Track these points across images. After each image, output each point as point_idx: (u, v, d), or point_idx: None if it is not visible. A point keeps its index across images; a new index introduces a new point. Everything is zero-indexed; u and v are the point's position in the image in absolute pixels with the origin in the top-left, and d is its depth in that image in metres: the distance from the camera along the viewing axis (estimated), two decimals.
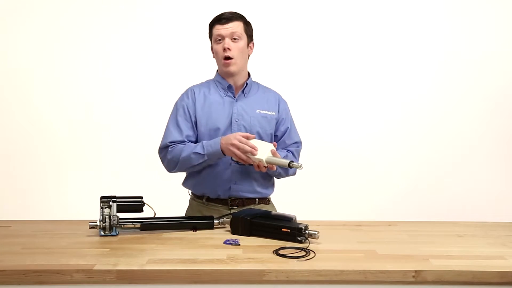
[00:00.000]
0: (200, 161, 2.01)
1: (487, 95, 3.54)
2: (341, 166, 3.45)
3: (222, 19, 2.05)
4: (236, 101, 2.11)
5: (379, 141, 3.57)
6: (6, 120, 3.53)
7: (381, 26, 3.55)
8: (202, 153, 1.99)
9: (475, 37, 3.53)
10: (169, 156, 2.06)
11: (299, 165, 1.89)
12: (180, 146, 2.05)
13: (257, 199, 2.15)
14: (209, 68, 3.51)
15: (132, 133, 3.55)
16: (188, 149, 2.02)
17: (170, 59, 3.55)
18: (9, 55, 3.51)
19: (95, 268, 1.48)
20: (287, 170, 2.10)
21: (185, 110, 2.10)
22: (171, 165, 2.08)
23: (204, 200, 2.14)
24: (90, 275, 1.46)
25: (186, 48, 3.52)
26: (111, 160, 3.55)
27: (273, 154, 1.96)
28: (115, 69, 3.55)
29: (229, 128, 2.08)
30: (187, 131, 2.08)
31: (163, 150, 2.10)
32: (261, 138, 2.12)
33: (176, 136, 2.08)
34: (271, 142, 2.16)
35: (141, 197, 1.89)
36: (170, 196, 3.20)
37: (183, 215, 2.19)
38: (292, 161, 1.90)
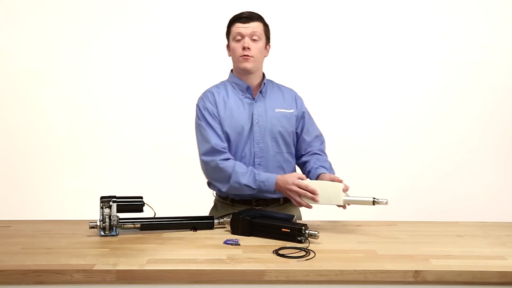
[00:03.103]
0: (249, 192, 2.01)
1: (487, 95, 3.54)
2: (341, 166, 3.43)
3: (243, 17, 2.04)
4: (255, 102, 2.10)
5: (379, 141, 3.57)
6: (6, 120, 3.53)
7: (382, 26, 3.55)
8: (253, 187, 1.98)
9: (476, 37, 3.52)
10: (218, 168, 2.00)
11: (384, 201, 1.79)
12: (229, 164, 2.00)
13: (281, 199, 2.13)
14: (209, 68, 3.51)
15: (132, 133, 3.55)
16: (241, 177, 1.98)
17: (170, 59, 3.55)
18: (9, 55, 3.51)
19: (95, 268, 1.48)
20: None
21: (212, 114, 2.07)
22: (217, 178, 2.04)
23: (228, 201, 2.13)
24: (90, 275, 1.47)
25: (186, 48, 3.52)
26: (111, 160, 3.55)
27: (345, 190, 1.90)
28: (115, 69, 3.55)
29: (251, 129, 2.06)
30: (222, 136, 2.05)
31: (210, 155, 2.02)
32: (283, 138, 2.10)
33: (219, 141, 2.03)
34: (293, 140, 2.16)
35: (141, 197, 1.89)
36: (170, 196, 3.21)
37: (206, 214, 2.18)
38: (375, 198, 1.81)
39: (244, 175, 1.98)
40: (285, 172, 2.12)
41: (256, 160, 2.07)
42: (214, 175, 2.06)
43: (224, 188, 2.04)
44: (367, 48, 3.55)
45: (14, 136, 3.54)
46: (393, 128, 3.57)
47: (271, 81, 2.21)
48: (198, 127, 2.09)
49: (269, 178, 1.98)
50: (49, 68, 3.53)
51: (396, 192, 3.53)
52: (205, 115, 2.07)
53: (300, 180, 1.92)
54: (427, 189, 3.55)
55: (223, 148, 2.04)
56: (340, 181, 1.91)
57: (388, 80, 3.58)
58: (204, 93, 2.14)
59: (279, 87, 2.21)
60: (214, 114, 2.07)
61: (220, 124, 2.07)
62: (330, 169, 2.12)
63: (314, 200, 1.88)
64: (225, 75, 2.23)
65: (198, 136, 2.10)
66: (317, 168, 2.09)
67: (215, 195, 2.22)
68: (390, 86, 3.58)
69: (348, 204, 1.89)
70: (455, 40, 3.53)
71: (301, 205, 1.92)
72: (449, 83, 3.56)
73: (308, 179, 1.96)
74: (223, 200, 2.16)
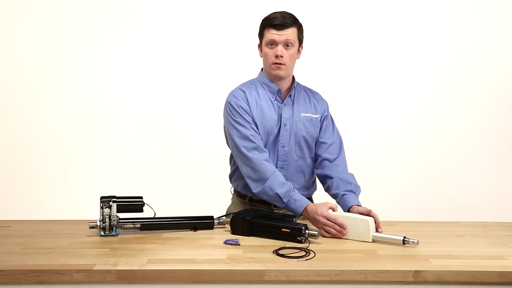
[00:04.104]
0: (276, 203, 1.99)
1: (488, 94, 3.54)
2: None
3: (277, 24, 1.98)
4: (284, 105, 2.09)
5: (379, 141, 3.57)
6: (6, 120, 3.53)
7: (381, 26, 3.55)
8: (283, 200, 1.94)
9: (475, 36, 3.52)
10: (259, 168, 1.97)
11: (416, 241, 1.72)
12: (270, 168, 1.97)
13: None
14: (208, 68, 3.51)
15: (133, 133, 3.55)
16: (277, 185, 1.94)
17: (170, 59, 3.55)
18: (9, 55, 3.51)
19: (95, 268, 1.48)
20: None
21: (247, 111, 2.03)
22: (252, 176, 1.99)
23: (246, 200, 2.13)
24: (90, 275, 1.46)
25: (187, 48, 3.52)
26: (111, 160, 3.55)
27: (377, 224, 1.84)
28: (115, 69, 3.54)
29: (277, 133, 2.06)
30: (257, 133, 2.03)
31: (254, 151, 1.98)
32: (306, 142, 2.09)
33: (260, 139, 2.02)
34: (315, 146, 2.14)
35: (141, 197, 1.89)
36: (170, 196, 3.21)
37: (224, 212, 2.18)
38: (405, 237, 1.73)
39: (281, 185, 1.95)
40: (305, 177, 2.13)
41: (279, 163, 2.07)
42: (251, 172, 1.99)
43: (255, 189, 1.99)
44: (366, 48, 3.55)
45: (14, 136, 3.54)
46: (392, 128, 3.57)
47: (299, 84, 2.19)
48: (234, 124, 2.02)
49: (302, 200, 1.94)
50: (49, 68, 3.53)
51: (396, 192, 3.53)
52: (241, 113, 2.02)
53: (330, 212, 1.88)
54: (427, 189, 3.54)
55: (264, 147, 2.02)
56: (369, 211, 1.87)
57: (387, 80, 3.57)
58: (235, 91, 2.10)
59: (306, 90, 2.19)
60: (249, 113, 2.04)
61: (253, 121, 2.04)
62: (356, 188, 2.07)
63: (342, 234, 1.83)
64: (227, 75, 2.23)
65: (234, 132, 2.02)
66: (344, 194, 2.02)
67: (232, 192, 2.22)
68: (389, 86, 3.57)
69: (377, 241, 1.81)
70: (455, 40, 3.53)
71: (328, 236, 1.86)
72: (448, 83, 3.55)
73: (338, 211, 1.92)
74: (241, 199, 2.16)
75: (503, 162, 3.56)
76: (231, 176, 2.21)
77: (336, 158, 2.13)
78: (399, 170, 3.58)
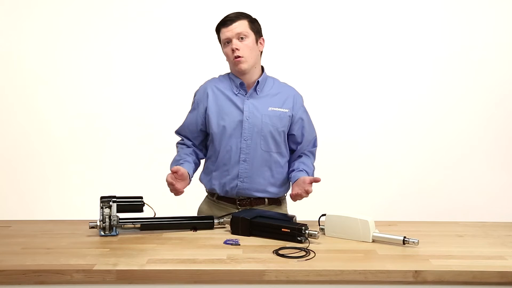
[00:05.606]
0: None
1: (487, 95, 3.54)
2: (341, 166, 3.44)
3: (226, 21, 2.06)
4: (247, 99, 2.10)
5: (379, 141, 3.57)
6: (6, 120, 3.53)
7: (381, 26, 3.55)
8: None
9: (475, 36, 3.52)
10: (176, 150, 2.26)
11: (416, 241, 1.72)
12: (178, 149, 2.22)
13: (266, 199, 2.13)
14: (209, 68, 3.52)
15: (132, 133, 3.55)
16: (172, 162, 2.16)
17: (170, 59, 3.55)
18: (10, 55, 3.51)
19: (95, 268, 1.48)
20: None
21: (195, 106, 2.17)
22: None
23: (214, 198, 2.16)
24: (90, 275, 1.47)
25: (187, 49, 3.52)
26: (111, 160, 3.55)
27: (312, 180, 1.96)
28: (115, 69, 3.55)
29: (239, 126, 2.07)
30: (190, 127, 2.17)
31: (178, 139, 2.27)
32: (273, 137, 2.09)
33: (180, 129, 2.22)
34: (284, 140, 2.15)
35: (141, 197, 1.89)
36: (170, 196, 3.21)
37: (195, 212, 2.24)
38: (405, 237, 1.73)
39: (174, 162, 2.14)
40: (271, 173, 2.12)
41: (241, 156, 2.07)
42: None
43: None
44: (366, 48, 3.55)
45: (14, 136, 3.54)
46: (392, 128, 3.57)
47: (273, 78, 2.19)
48: (189, 111, 2.22)
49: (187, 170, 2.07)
50: (50, 68, 3.53)
51: (396, 192, 3.54)
52: (192, 104, 2.20)
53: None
54: (427, 189, 3.54)
55: (183, 136, 2.21)
56: (319, 180, 1.95)
57: (387, 80, 3.57)
58: (203, 84, 2.21)
59: (280, 84, 2.19)
60: (197, 106, 2.15)
61: (197, 117, 2.14)
62: (311, 175, 2.13)
63: (177, 191, 1.99)
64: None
65: (186, 117, 2.24)
66: (301, 171, 2.10)
67: (206, 190, 2.23)
68: (389, 86, 3.57)
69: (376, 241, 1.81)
70: (454, 40, 3.53)
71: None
72: (448, 83, 3.56)
73: (338, 212, 1.90)
74: (210, 196, 2.19)
75: (503, 162, 3.56)
76: (200, 176, 2.24)
77: (307, 151, 2.22)
78: (399, 170, 3.58)
